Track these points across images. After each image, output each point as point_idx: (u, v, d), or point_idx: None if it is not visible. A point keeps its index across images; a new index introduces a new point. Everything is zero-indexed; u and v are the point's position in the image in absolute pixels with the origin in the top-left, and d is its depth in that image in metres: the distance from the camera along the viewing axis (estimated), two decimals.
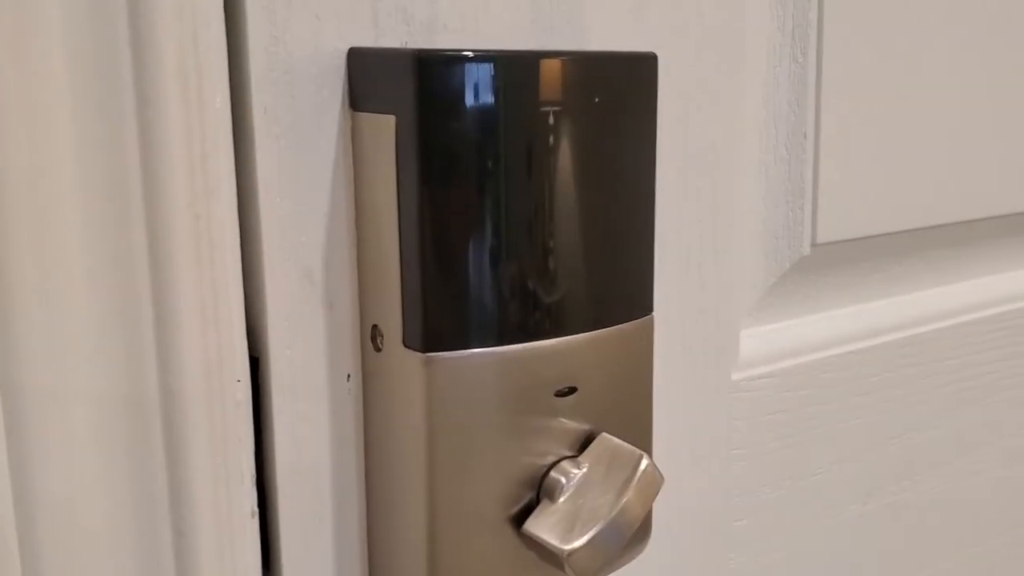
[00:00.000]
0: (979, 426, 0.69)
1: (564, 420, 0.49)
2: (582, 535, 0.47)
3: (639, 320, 0.51)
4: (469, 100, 0.46)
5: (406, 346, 0.47)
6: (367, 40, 0.47)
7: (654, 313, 0.54)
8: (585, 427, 0.50)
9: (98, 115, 0.43)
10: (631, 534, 0.48)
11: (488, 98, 0.46)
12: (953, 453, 0.68)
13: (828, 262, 0.63)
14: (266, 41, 0.46)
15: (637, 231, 0.50)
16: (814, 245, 0.60)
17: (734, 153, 0.57)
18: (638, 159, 0.50)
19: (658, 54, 0.54)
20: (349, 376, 0.49)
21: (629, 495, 0.47)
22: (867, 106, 0.61)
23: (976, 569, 0.72)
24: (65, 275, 0.44)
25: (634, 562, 0.58)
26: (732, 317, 0.58)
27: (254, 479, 0.48)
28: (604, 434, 0.50)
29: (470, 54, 0.45)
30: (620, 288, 0.50)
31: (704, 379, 0.58)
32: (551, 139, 0.47)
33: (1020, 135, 0.68)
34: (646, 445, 0.51)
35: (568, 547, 0.47)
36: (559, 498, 0.49)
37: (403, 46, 0.48)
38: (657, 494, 0.48)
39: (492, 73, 0.46)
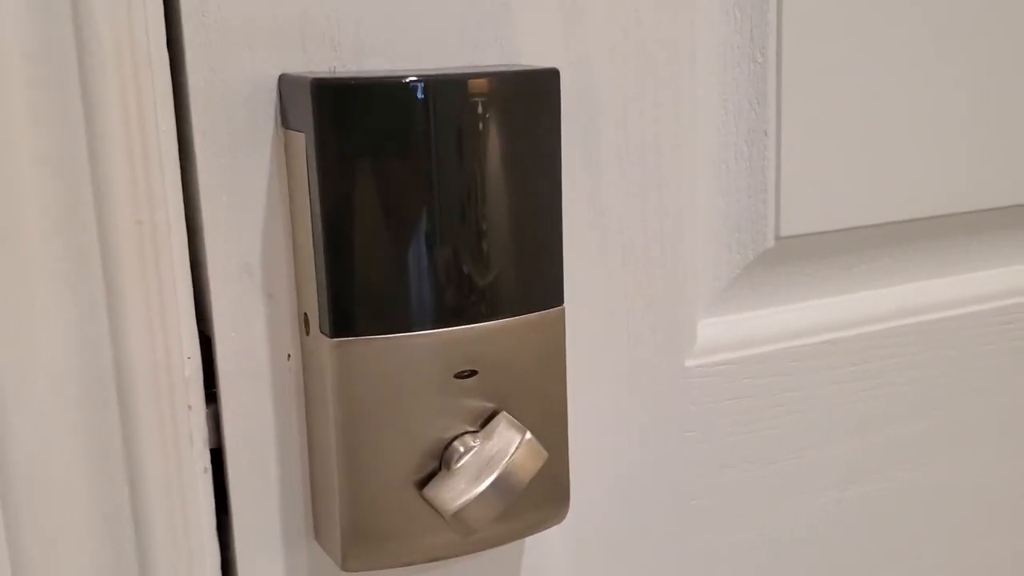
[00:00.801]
0: (944, 422, 0.72)
1: (465, 399, 0.56)
2: (463, 497, 0.54)
3: (547, 311, 0.57)
4: (360, 120, 0.53)
5: (321, 332, 0.55)
6: (298, 66, 0.55)
7: (597, 305, 0.61)
8: (488, 406, 0.56)
9: (57, 144, 0.52)
10: (511, 498, 0.54)
11: (379, 118, 0.53)
12: (914, 449, 0.71)
13: (792, 256, 0.67)
14: (205, 72, 0.54)
15: (543, 230, 0.56)
16: (778, 238, 0.64)
17: (681, 152, 0.62)
18: (543, 165, 0.56)
19: (592, 63, 0.59)
20: (289, 356, 0.57)
21: (508, 465, 0.54)
22: (828, 102, 0.64)
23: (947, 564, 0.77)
24: (33, 271, 0.53)
25: (594, 535, 0.64)
26: (685, 307, 0.63)
27: (206, 441, 0.56)
28: (503, 413, 0.56)
29: (359, 79, 0.52)
30: (524, 281, 0.56)
31: (654, 366, 0.63)
32: (445, 149, 0.54)
33: (985, 130, 0.69)
34: (560, 424, 0.58)
35: (450, 508, 0.54)
36: (455, 466, 0.56)
37: (331, 70, 0.55)
38: (538, 465, 0.55)
39: (382, 95, 0.53)
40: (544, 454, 0.55)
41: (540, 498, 0.58)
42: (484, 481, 0.54)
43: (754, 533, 0.67)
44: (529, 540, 0.61)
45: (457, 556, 0.56)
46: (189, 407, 0.56)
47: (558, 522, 0.59)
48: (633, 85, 0.61)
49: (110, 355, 0.54)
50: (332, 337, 0.54)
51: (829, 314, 0.69)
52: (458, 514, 0.55)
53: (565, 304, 0.60)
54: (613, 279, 0.62)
